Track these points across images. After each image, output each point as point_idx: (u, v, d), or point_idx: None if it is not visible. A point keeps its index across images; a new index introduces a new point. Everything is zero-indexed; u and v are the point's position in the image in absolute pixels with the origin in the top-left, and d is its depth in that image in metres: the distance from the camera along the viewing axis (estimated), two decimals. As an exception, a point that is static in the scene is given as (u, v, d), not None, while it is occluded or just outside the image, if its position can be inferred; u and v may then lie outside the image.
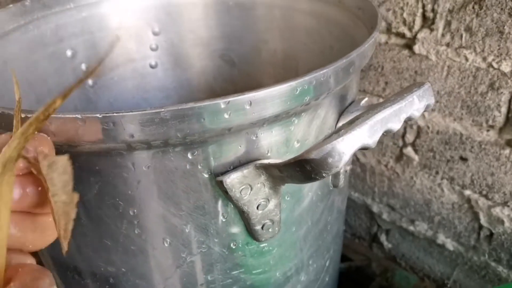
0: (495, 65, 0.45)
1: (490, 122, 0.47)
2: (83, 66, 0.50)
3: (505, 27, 0.43)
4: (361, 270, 0.62)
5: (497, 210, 0.51)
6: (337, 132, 0.20)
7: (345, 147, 0.20)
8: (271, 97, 0.22)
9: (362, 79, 0.57)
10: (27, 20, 0.43)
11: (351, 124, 0.20)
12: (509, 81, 0.44)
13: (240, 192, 0.25)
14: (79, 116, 0.20)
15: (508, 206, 0.50)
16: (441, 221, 0.57)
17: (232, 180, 0.24)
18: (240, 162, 0.25)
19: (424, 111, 0.24)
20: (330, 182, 0.33)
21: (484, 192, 0.51)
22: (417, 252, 0.62)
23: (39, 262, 0.29)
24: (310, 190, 0.31)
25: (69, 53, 0.48)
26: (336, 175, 0.33)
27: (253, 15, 0.52)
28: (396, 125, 0.22)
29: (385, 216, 0.64)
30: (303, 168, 0.21)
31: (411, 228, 0.61)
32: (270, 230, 0.28)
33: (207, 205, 0.26)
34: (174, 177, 0.25)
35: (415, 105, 0.23)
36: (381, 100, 0.57)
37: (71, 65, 0.49)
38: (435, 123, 0.52)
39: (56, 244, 0.18)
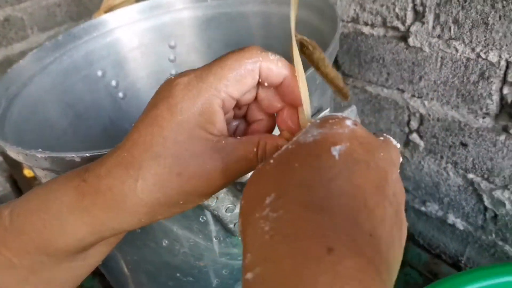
0: (483, 56, 0.45)
1: (484, 110, 0.48)
2: (113, 82, 0.59)
3: (489, 18, 0.43)
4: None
5: (498, 193, 0.52)
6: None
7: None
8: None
9: (367, 70, 0.60)
10: (61, 52, 0.52)
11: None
12: (497, 70, 0.45)
13: (208, 201, 0.31)
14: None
15: (508, 189, 0.51)
16: (450, 202, 0.59)
17: (198, 193, 0.31)
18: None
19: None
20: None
21: (485, 176, 0.53)
22: (432, 230, 0.65)
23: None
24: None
25: (99, 73, 0.57)
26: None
27: (254, 23, 0.56)
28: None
29: (399, 198, 0.67)
30: (240, 187, 0.27)
31: (423, 208, 0.63)
32: (242, 227, 0.35)
33: (187, 211, 0.33)
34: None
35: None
36: (385, 90, 0.59)
37: (102, 83, 0.57)
38: (435, 111, 0.54)
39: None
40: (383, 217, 0.18)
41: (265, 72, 0.23)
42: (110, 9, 0.65)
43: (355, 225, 0.16)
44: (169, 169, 0.21)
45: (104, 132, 0.57)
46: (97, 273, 0.69)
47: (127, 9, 0.57)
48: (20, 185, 1.01)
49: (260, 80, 0.23)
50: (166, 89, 0.23)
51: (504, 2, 0.41)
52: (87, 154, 0.27)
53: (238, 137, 0.23)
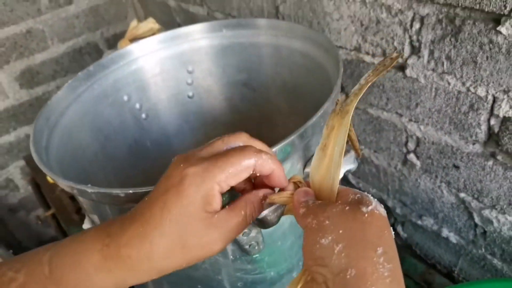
0: (473, 90, 0.50)
1: (474, 137, 0.53)
2: (137, 105, 0.64)
3: (478, 58, 0.48)
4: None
5: (486, 212, 0.57)
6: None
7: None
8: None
9: (368, 94, 0.65)
10: (92, 81, 0.58)
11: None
12: (485, 104, 0.50)
13: (227, 227, 0.37)
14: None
15: (496, 209, 0.56)
16: (444, 218, 0.65)
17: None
18: (227, 206, 0.37)
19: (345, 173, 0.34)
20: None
21: (475, 196, 0.58)
22: (428, 242, 0.70)
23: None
24: (288, 216, 0.42)
25: (125, 98, 0.62)
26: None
27: (265, 53, 0.62)
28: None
29: (398, 210, 0.72)
30: (257, 222, 0.32)
31: (420, 222, 0.69)
32: (256, 248, 0.40)
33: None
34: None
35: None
36: (385, 113, 0.64)
37: (128, 106, 0.63)
38: (430, 135, 0.59)
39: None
40: None
41: (259, 167, 0.29)
42: (134, 38, 0.71)
43: None
44: (173, 243, 0.28)
45: (129, 150, 0.63)
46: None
47: (150, 39, 0.62)
48: (43, 190, 1.07)
49: (253, 171, 0.29)
50: (176, 175, 0.28)
51: (491, 45, 0.46)
52: (130, 191, 0.33)
53: (227, 207, 0.30)
